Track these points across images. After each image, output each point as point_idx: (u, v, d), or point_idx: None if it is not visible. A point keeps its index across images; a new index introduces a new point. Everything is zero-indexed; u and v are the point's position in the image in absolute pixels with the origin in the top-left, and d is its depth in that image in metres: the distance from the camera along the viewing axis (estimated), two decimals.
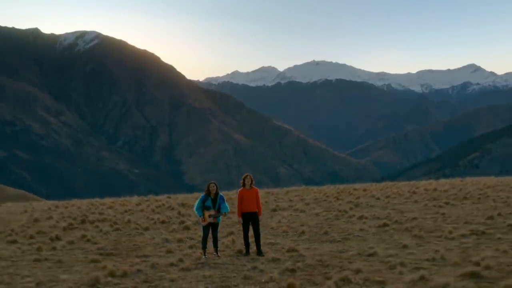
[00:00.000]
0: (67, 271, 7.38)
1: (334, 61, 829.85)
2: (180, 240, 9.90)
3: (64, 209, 16.05)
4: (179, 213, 13.90)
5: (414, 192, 16.48)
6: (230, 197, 16.10)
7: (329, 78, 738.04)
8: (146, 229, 11.49)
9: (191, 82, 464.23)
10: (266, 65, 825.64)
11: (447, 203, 13.87)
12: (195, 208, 8.44)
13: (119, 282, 6.57)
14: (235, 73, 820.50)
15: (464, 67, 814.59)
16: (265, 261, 7.86)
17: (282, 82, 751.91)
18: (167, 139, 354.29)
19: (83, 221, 12.55)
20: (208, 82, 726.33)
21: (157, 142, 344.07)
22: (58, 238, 10.35)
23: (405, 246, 8.85)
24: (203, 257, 8.18)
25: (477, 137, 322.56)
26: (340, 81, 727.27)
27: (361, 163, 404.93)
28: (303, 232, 10.41)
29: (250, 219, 8.45)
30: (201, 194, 8.58)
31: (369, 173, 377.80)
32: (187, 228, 11.34)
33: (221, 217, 8.56)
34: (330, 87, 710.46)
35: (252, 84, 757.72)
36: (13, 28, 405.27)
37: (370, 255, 8.21)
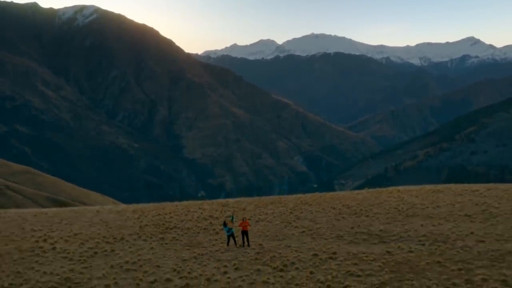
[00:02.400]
0: (184, 252, 21.41)
1: (333, 34, 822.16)
2: (216, 240, 23.99)
3: (145, 217, 30.12)
4: (210, 223, 28.03)
5: (334, 208, 30.52)
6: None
7: (328, 52, 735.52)
8: (199, 233, 25.58)
9: (190, 56, 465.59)
10: (265, 38, 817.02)
11: (343, 217, 27.91)
12: (226, 231, 22.45)
13: (201, 257, 20.60)
14: (234, 46, 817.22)
15: (463, 40, 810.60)
16: (250, 249, 21.83)
17: (281, 55, 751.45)
18: (166, 113, 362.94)
19: (167, 228, 26.63)
20: (207, 56, 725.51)
21: (156, 116, 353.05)
22: (164, 238, 24.41)
23: (304, 243, 22.80)
24: (227, 247, 22.24)
25: (475, 111, 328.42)
26: (338, 55, 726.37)
27: (359, 136, 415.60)
28: (267, 235, 24.51)
29: (244, 233, 22.48)
30: (223, 226, 22.55)
31: (367, 147, 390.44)
32: (217, 233, 25.46)
33: (234, 229, 22.47)
34: (329, 61, 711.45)
35: (251, 57, 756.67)
36: (11, 3, 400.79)
37: (288, 246, 22.16)
